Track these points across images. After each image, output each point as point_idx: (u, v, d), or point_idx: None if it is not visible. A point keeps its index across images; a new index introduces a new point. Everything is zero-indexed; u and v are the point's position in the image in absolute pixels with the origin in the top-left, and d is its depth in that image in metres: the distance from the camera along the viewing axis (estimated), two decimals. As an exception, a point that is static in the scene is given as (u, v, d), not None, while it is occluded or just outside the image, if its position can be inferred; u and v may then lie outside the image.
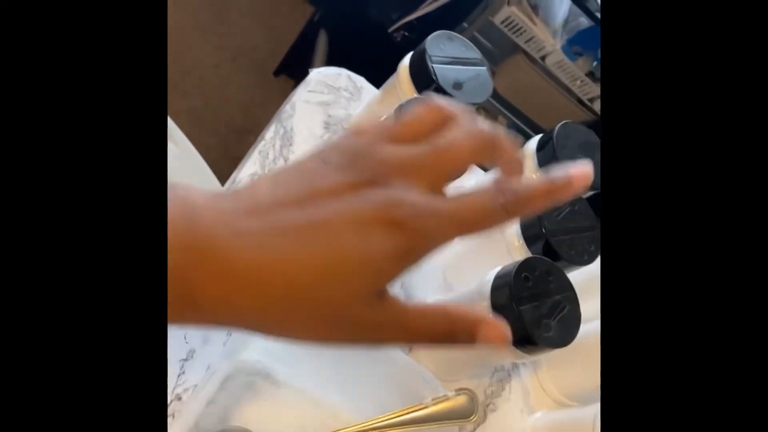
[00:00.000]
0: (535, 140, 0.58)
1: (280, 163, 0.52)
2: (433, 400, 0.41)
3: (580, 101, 1.51)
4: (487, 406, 0.55)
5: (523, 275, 0.45)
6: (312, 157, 0.23)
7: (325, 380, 0.46)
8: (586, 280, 0.59)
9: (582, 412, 0.52)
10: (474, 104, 0.50)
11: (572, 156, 0.56)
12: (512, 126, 1.62)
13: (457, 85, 0.50)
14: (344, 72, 0.59)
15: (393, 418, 0.41)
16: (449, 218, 0.22)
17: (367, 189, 0.22)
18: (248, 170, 0.49)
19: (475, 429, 0.54)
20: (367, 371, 0.44)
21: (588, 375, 0.57)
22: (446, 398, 0.41)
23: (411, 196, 0.21)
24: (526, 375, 0.59)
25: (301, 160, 0.23)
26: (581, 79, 1.47)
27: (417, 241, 0.21)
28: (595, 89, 1.50)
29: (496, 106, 1.62)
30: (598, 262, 0.62)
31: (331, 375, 0.46)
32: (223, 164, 0.77)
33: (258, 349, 0.43)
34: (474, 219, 0.22)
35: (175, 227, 0.21)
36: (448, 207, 0.22)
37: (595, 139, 0.59)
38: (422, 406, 0.41)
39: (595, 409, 0.50)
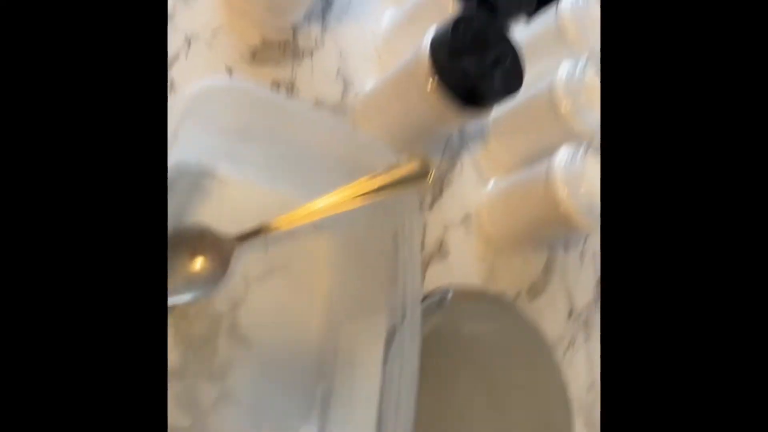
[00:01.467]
0: None
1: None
2: (386, 168, 0.40)
3: None
4: (442, 182, 0.56)
5: (460, 29, 0.42)
6: None
7: (271, 171, 0.44)
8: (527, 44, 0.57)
9: (534, 169, 0.52)
10: None
11: None
12: None
13: None
14: None
15: (343, 192, 0.40)
16: None
17: None
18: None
19: (433, 203, 0.54)
20: (316, 153, 0.42)
21: (535, 136, 0.57)
22: (398, 165, 0.40)
23: None
24: (475, 149, 0.59)
25: None
26: None
27: None
28: None
29: None
30: (534, 27, 0.59)
31: (277, 164, 0.44)
32: None
33: (199, 149, 0.40)
34: None
35: None
36: None
37: None
38: (374, 175, 0.40)
39: (546, 163, 0.51)
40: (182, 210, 0.40)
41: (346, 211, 0.40)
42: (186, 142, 0.39)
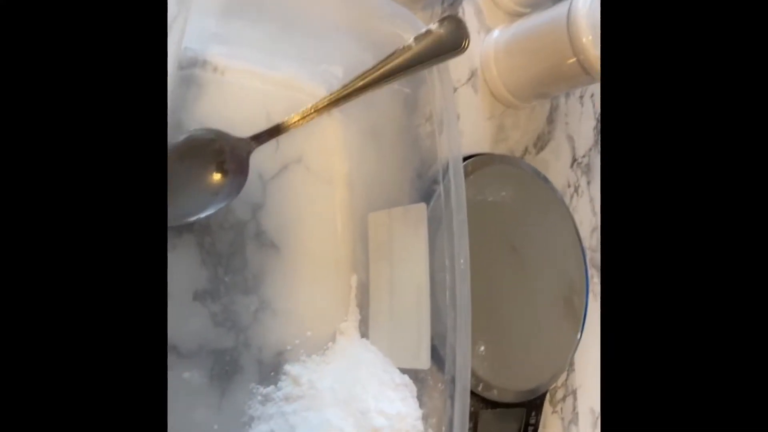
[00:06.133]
0: None
1: None
2: (415, 39, 0.34)
3: None
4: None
5: None
6: None
7: (270, 51, 0.38)
8: None
9: (551, 12, 0.47)
10: None
11: None
12: None
13: None
14: None
15: (370, 73, 0.34)
16: None
17: None
18: None
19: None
20: (321, 25, 0.36)
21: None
22: (429, 32, 0.34)
23: None
24: (475, -8, 0.52)
25: None
26: None
27: None
28: None
29: None
30: None
31: (276, 43, 0.37)
32: None
33: (186, 36, 0.33)
34: None
35: None
36: None
37: None
38: (404, 48, 0.34)
39: (566, 5, 0.45)
40: (180, 109, 0.34)
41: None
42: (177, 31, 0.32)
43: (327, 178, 0.40)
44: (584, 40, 0.44)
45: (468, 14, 0.52)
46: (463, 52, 0.34)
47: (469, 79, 0.51)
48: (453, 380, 0.33)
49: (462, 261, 0.34)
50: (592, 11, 0.44)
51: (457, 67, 0.50)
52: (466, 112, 0.50)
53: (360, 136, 0.41)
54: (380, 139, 0.41)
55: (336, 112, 0.41)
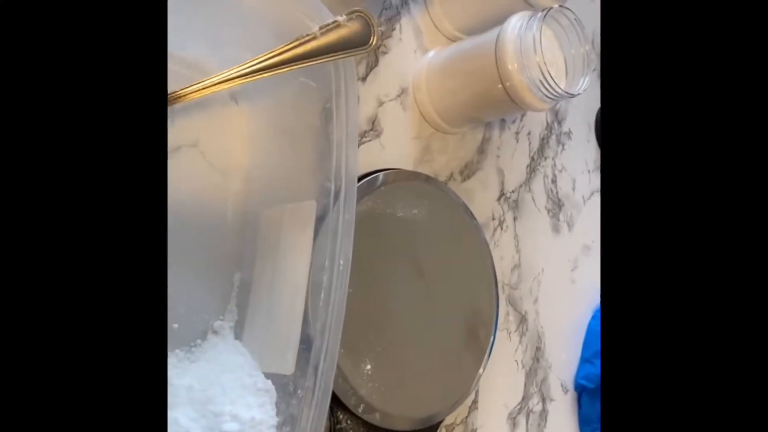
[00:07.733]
0: None
1: None
2: (320, 28, 0.33)
3: None
4: (378, 48, 0.49)
5: None
6: None
7: (177, 31, 0.36)
8: None
9: (482, 38, 0.46)
10: None
11: None
12: None
13: None
14: None
15: (270, 57, 0.33)
16: None
17: None
18: None
19: (367, 73, 0.48)
20: (232, 9, 0.35)
21: (483, 4, 0.51)
22: (337, 24, 0.33)
23: None
24: (416, 12, 0.52)
25: None
26: None
27: None
28: None
29: None
30: None
31: (184, 23, 0.36)
32: None
33: None
34: None
35: None
36: None
37: None
38: (308, 37, 0.33)
39: (496, 31, 0.45)
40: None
41: (268, 79, 0.33)
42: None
43: (223, 168, 0.38)
44: (510, 66, 0.44)
45: (406, 33, 0.51)
46: (369, 50, 0.34)
47: (399, 95, 0.50)
48: (313, 388, 0.31)
49: (341, 262, 0.32)
50: (519, 38, 0.43)
51: (386, 81, 0.49)
52: (391, 128, 0.49)
53: (266, 130, 0.40)
54: (287, 136, 0.40)
55: (244, 102, 0.39)
